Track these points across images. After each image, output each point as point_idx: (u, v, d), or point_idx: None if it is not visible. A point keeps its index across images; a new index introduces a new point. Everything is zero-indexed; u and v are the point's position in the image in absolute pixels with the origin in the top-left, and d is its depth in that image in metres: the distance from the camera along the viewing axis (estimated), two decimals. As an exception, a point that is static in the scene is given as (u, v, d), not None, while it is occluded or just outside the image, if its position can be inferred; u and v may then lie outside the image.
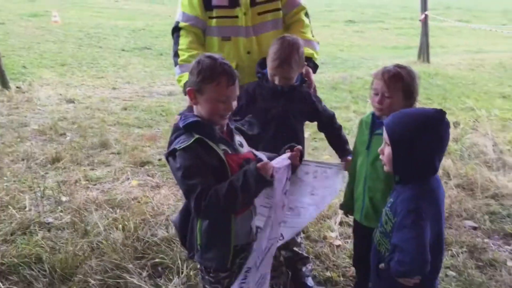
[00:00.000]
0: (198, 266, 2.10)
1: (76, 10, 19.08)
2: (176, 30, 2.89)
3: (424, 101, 7.73)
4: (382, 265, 1.85)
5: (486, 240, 3.46)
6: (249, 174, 1.81)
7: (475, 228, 3.62)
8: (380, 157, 1.89)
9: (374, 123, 2.38)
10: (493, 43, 17.33)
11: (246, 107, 2.55)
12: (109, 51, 12.00)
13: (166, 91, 8.22)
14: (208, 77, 1.88)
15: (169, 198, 3.96)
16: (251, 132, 2.13)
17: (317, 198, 2.48)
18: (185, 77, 2.65)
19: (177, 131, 1.93)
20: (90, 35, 13.95)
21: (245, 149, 2.05)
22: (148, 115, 6.68)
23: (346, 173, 2.59)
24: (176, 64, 2.83)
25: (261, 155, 2.08)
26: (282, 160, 1.94)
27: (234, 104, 1.98)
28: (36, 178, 4.16)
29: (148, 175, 4.50)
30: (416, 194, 1.75)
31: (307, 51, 2.93)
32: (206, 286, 2.09)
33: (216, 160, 1.87)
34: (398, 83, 2.24)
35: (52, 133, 5.63)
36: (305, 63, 2.61)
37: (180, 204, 3.82)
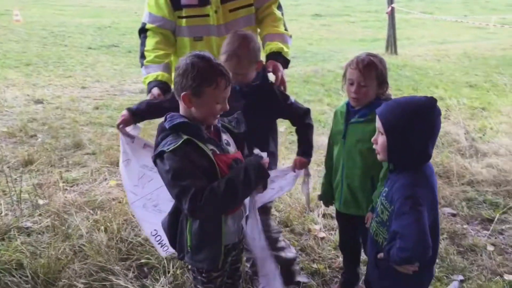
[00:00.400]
0: (189, 266, 2.07)
1: (38, 8, 18.59)
2: (142, 31, 2.81)
3: (395, 92, 7.86)
4: (380, 255, 1.87)
5: (465, 226, 3.55)
6: (251, 168, 1.82)
7: (454, 215, 3.70)
8: (374, 146, 1.91)
9: (349, 113, 2.44)
10: (456, 33, 17.79)
11: None
12: (76, 50, 11.73)
13: (137, 89, 8.09)
14: (206, 80, 1.83)
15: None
16: (237, 130, 2.10)
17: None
18: (150, 77, 2.65)
19: (163, 132, 1.89)
20: (54, 33, 13.61)
21: (232, 148, 2.03)
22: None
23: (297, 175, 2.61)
24: (142, 65, 2.75)
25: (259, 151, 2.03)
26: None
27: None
28: (10, 182, 4.02)
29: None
30: (412, 181, 1.77)
31: (276, 45, 2.86)
32: (198, 286, 2.07)
33: (205, 160, 1.83)
34: (372, 71, 2.29)
35: (23, 135, 5.46)
36: (261, 60, 2.44)
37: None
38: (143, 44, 2.78)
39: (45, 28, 14.20)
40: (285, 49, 2.86)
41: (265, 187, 2.06)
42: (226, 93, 1.90)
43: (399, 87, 8.19)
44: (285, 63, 2.86)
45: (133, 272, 2.94)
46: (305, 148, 2.57)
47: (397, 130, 1.77)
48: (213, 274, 2.02)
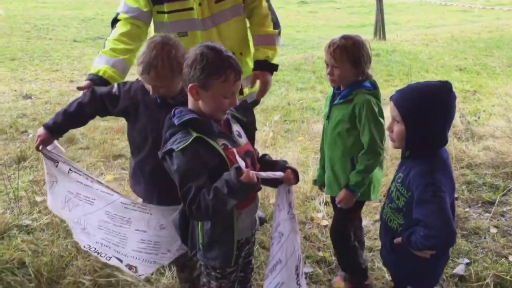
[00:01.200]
0: (202, 262, 2.04)
1: (19, 2, 18.21)
2: (115, 21, 2.68)
3: (386, 77, 7.88)
4: (398, 240, 1.85)
5: (467, 209, 3.56)
6: (232, 185, 1.68)
7: (455, 199, 3.71)
8: (388, 134, 1.88)
9: (333, 95, 2.48)
10: (442, 17, 17.84)
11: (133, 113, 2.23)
12: (61, 43, 11.52)
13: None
14: (214, 72, 1.74)
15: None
16: (246, 119, 2.05)
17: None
18: (93, 69, 2.49)
19: (171, 128, 1.82)
20: (37, 27, 13.34)
21: (244, 139, 1.97)
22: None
23: None
24: (99, 52, 2.62)
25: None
26: (272, 176, 1.87)
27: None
28: (4, 179, 3.94)
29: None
30: (431, 167, 1.75)
31: (262, 53, 2.79)
32: (212, 281, 2.03)
33: (216, 158, 1.78)
34: (344, 54, 2.31)
35: (13, 131, 5.36)
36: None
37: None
38: (110, 34, 2.66)
39: (28, 21, 13.91)
40: (271, 56, 2.81)
41: (297, 180, 1.98)
42: (236, 88, 1.82)
43: (390, 73, 8.19)
44: (273, 68, 2.83)
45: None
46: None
47: (416, 117, 1.74)
48: (227, 270, 1.99)
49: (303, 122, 5.65)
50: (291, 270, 1.97)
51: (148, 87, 2.11)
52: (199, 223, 1.90)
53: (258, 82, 2.89)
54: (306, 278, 2.82)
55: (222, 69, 1.74)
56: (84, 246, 2.33)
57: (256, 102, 3.07)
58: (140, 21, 2.65)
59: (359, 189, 2.39)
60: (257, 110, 5.96)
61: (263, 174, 1.80)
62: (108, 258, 2.31)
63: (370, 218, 3.48)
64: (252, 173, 1.70)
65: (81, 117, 2.31)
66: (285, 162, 2.02)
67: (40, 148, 2.33)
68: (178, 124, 1.78)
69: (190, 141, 1.72)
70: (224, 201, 1.69)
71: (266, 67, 2.80)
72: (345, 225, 2.60)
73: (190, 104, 1.86)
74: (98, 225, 2.30)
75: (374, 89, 2.39)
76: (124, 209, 2.29)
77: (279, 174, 1.87)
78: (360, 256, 2.71)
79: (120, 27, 2.62)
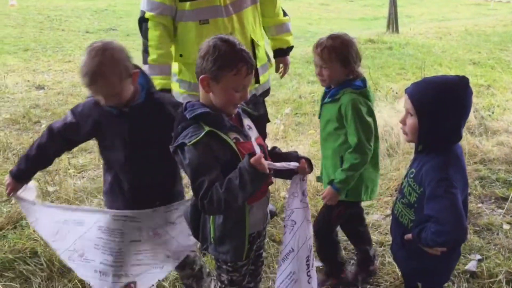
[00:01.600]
0: (213, 256, 2.04)
1: (33, -8, 18.28)
2: (143, 20, 2.68)
3: (399, 71, 7.81)
4: (408, 236, 1.84)
5: (479, 205, 3.52)
6: (243, 171, 1.67)
7: (468, 194, 3.67)
8: (401, 127, 1.86)
9: (325, 93, 2.46)
10: (456, 10, 17.62)
11: (93, 132, 2.13)
12: (73, 34, 11.58)
13: (138, 73, 8.00)
14: (226, 65, 1.73)
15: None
16: (257, 112, 2.04)
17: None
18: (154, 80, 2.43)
19: (183, 121, 1.81)
20: (50, 17, 13.41)
21: (255, 133, 1.96)
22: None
23: None
24: (145, 62, 2.64)
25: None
26: (287, 166, 1.85)
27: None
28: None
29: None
30: (444, 162, 1.73)
31: (285, 42, 3.02)
32: (223, 275, 2.03)
33: (228, 151, 1.77)
34: (332, 54, 2.28)
35: (26, 122, 5.41)
36: (136, 70, 2.01)
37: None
38: (145, 37, 2.67)
39: (41, 12, 13.99)
40: (291, 42, 3.02)
41: (311, 169, 1.97)
42: (247, 82, 1.80)
43: (403, 66, 8.11)
44: (290, 50, 3.07)
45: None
46: None
47: (430, 111, 1.71)
48: (238, 263, 1.98)
49: (314, 115, 5.61)
50: (302, 260, 1.97)
51: (99, 98, 1.97)
52: (211, 217, 1.89)
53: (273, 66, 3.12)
54: (316, 272, 2.81)
55: (234, 62, 1.73)
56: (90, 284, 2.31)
57: (267, 92, 3.12)
58: (167, 16, 2.66)
59: (343, 187, 2.36)
60: (268, 103, 5.94)
61: (278, 164, 1.80)
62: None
63: (381, 213, 3.46)
64: (265, 162, 1.70)
65: (44, 158, 2.20)
66: (296, 152, 2.02)
67: (11, 195, 2.27)
68: (190, 118, 1.77)
69: (202, 135, 1.72)
70: (235, 194, 1.68)
71: (287, 53, 3.03)
72: (329, 222, 2.59)
73: (202, 98, 1.86)
74: (94, 245, 2.20)
75: (363, 88, 2.35)
76: (114, 221, 2.16)
77: (293, 164, 1.86)
78: (339, 251, 2.73)
79: (155, 29, 2.63)
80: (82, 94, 6.57)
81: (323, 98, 2.47)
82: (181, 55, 2.80)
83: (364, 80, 2.38)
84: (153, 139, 2.05)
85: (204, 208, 1.73)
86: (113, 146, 2.11)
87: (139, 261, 2.25)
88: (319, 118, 2.53)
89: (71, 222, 2.23)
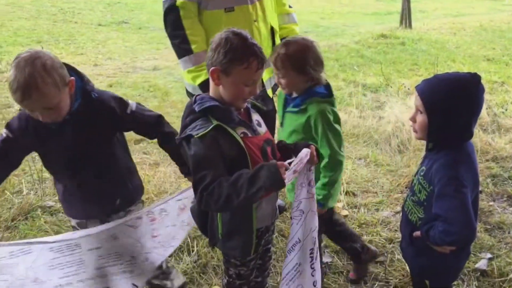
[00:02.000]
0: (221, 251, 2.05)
1: (46, -15, 18.38)
2: (173, 10, 2.57)
3: (411, 66, 7.74)
4: (417, 233, 1.82)
5: (491, 203, 3.49)
6: (265, 167, 1.63)
7: (480, 192, 3.64)
8: (411, 124, 1.84)
9: (286, 100, 2.35)
10: (470, 6, 17.41)
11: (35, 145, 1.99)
12: (86, 26, 11.64)
13: (150, 66, 8.03)
14: (237, 58, 1.71)
15: (170, 176, 3.88)
16: (266, 107, 2.03)
17: (160, 238, 2.17)
18: (204, 74, 2.41)
19: (192, 114, 1.80)
20: (63, 10, 13.50)
21: (263, 128, 1.95)
22: (135, 91, 6.51)
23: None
24: (190, 52, 2.54)
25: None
26: (299, 161, 1.81)
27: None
28: (29, 161, 4.01)
29: (145, 153, 4.40)
30: (454, 160, 1.70)
31: (291, 31, 2.96)
32: (231, 268, 2.03)
33: (235, 147, 1.75)
34: (285, 62, 2.19)
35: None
36: (69, 78, 1.85)
37: (182, 181, 3.75)
38: (179, 27, 2.56)
39: (55, 4, 14.08)
40: (297, 31, 3.00)
41: (318, 159, 1.93)
42: (257, 76, 1.78)
43: (415, 62, 8.04)
44: None
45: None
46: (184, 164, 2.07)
47: (440, 108, 1.69)
48: (247, 257, 1.99)
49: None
50: (306, 252, 1.96)
51: (35, 114, 1.81)
52: (218, 213, 1.89)
53: None
54: (325, 267, 2.81)
55: (245, 56, 1.72)
56: None
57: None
58: (195, 3, 2.59)
59: (327, 200, 2.32)
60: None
61: (294, 167, 1.75)
62: None
63: (391, 210, 3.44)
64: (286, 167, 1.67)
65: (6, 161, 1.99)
66: (303, 142, 1.99)
67: None
68: (199, 111, 1.77)
69: (209, 128, 1.71)
70: (239, 190, 1.63)
71: None
72: (330, 223, 2.60)
73: (211, 91, 1.85)
74: (48, 267, 1.94)
75: (328, 95, 2.27)
76: (66, 246, 1.93)
77: (305, 153, 1.82)
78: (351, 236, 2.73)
79: (189, 17, 2.56)
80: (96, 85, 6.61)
81: (285, 104, 2.35)
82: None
83: (328, 86, 2.28)
84: (98, 139, 2.00)
85: (202, 201, 1.69)
86: (57, 157, 2.01)
87: (103, 264, 2.04)
88: (281, 126, 2.40)
89: (17, 253, 1.89)
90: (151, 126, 2.15)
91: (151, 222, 2.07)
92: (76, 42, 9.91)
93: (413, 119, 1.80)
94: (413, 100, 1.81)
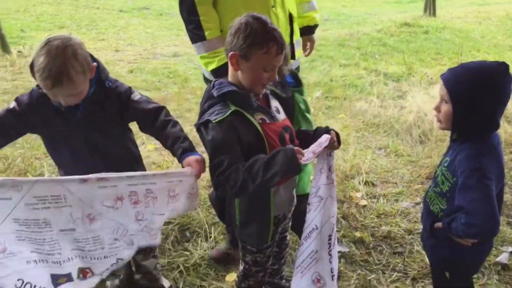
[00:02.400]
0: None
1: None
2: None
3: (434, 56, 7.60)
4: (438, 225, 1.79)
5: (514, 196, 3.42)
6: (282, 152, 1.64)
7: (504, 185, 3.56)
8: (435, 114, 1.80)
9: None
10: (497, -6, 16.95)
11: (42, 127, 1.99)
12: (107, 12, 11.69)
13: (170, 52, 8.03)
14: (257, 43, 1.70)
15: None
16: (285, 94, 2.01)
17: (147, 223, 1.89)
18: (221, 58, 2.37)
19: (210, 99, 1.80)
20: (86, -5, 13.56)
21: (282, 115, 1.94)
22: (155, 77, 6.53)
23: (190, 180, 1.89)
24: (203, 38, 2.50)
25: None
26: (318, 144, 1.80)
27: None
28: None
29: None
30: (478, 151, 1.66)
31: (312, 20, 2.95)
32: (247, 255, 2.03)
33: (252, 133, 1.75)
34: None
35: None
36: (92, 64, 1.88)
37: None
38: (193, 12, 2.50)
39: (77, -10, 14.16)
40: (317, 20, 3.00)
41: (339, 144, 1.92)
42: (277, 62, 1.77)
43: (439, 51, 7.89)
44: (316, 28, 3.04)
45: (175, 236, 2.96)
46: (180, 145, 1.93)
47: (465, 98, 1.64)
48: (263, 244, 1.98)
49: (345, 99, 5.54)
50: (324, 238, 1.95)
51: (59, 100, 1.85)
52: (236, 199, 1.89)
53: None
54: (342, 257, 2.79)
55: (265, 40, 1.71)
56: (15, 285, 1.79)
57: (297, 70, 3.08)
58: None
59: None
60: (299, 86, 5.90)
61: (311, 153, 1.74)
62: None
63: (411, 200, 3.40)
64: (302, 153, 1.66)
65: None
66: (322, 127, 1.96)
67: None
68: (217, 96, 1.76)
69: (228, 114, 1.71)
70: (255, 175, 1.63)
71: (313, 31, 2.99)
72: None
73: (230, 76, 1.84)
74: (16, 237, 1.77)
75: (296, 84, 2.22)
76: (32, 210, 1.72)
77: (324, 139, 1.81)
78: None
79: (203, 3, 2.50)
80: (114, 72, 6.66)
81: None
82: (221, 31, 2.74)
83: (295, 75, 2.23)
84: (105, 127, 2.00)
85: (219, 186, 1.71)
86: (61, 141, 2.00)
87: (82, 246, 1.85)
88: None
89: None
90: (154, 114, 2.02)
91: (133, 205, 1.81)
92: (97, 28, 9.97)
93: (438, 109, 1.76)
94: (438, 89, 1.77)
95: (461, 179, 1.65)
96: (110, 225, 1.82)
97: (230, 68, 1.81)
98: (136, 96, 2.03)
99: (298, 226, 2.16)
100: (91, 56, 1.94)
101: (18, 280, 1.80)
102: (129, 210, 1.80)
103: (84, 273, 1.87)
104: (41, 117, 1.95)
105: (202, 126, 1.77)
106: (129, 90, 2.04)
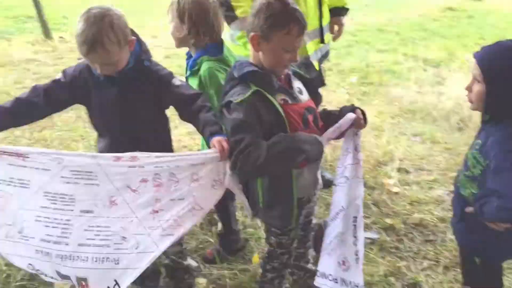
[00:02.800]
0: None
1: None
2: None
3: (477, 40, 7.31)
4: (470, 209, 1.73)
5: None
6: (303, 135, 1.69)
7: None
8: (467, 94, 1.73)
9: (187, 64, 2.33)
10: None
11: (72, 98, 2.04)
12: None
13: (206, 38, 8.05)
14: (278, 23, 1.69)
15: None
16: (309, 75, 1.98)
17: (161, 215, 1.81)
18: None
19: (231, 81, 1.80)
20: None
21: (305, 96, 1.91)
22: None
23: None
24: (234, 18, 2.49)
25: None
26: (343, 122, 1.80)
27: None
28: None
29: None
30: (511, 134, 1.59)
31: (339, 1, 2.91)
32: (272, 237, 2.03)
33: (273, 113, 1.73)
34: (173, 6, 2.20)
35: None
36: (133, 37, 1.94)
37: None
38: None
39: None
40: (346, 2, 2.98)
41: (365, 122, 1.94)
42: (298, 43, 1.75)
43: (482, 36, 7.60)
44: (346, 11, 3.02)
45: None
46: (212, 128, 1.85)
47: (499, 77, 1.57)
48: (287, 226, 1.98)
49: (381, 85, 5.42)
50: (349, 219, 1.92)
51: (96, 66, 1.91)
52: (259, 182, 1.88)
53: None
54: (372, 244, 2.75)
55: (286, 21, 1.69)
56: (27, 267, 1.90)
57: (326, 54, 3.03)
58: None
59: None
60: (333, 71, 5.82)
61: (333, 132, 1.75)
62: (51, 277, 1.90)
63: (445, 188, 3.30)
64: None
65: (17, 116, 1.97)
66: (347, 106, 1.93)
67: None
68: (238, 77, 1.76)
69: (248, 94, 1.70)
70: (277, 152, 1.66)
71: (342, 13, 2.97)
72: None
73: (251, 57, 1.83)
74: (35, 217, 1.84)
75: (218, 54, 2.15)
76: (65, 184, 1.79)
77: (349, 117, 1.79)
78: None
79: None
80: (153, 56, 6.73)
81: (186, 70, 2.28)
82: None
83: (220, 45, 2.17)
84: (140, 106, 2.01)
85: (237, 164, 1.68)
86: (103, 113, 2.04)
87: (89, 240, 1.82)
88: None
89: (16, 182, 1.85)
90: (193, 99, 2.00)
91: (156, 188, 1.78)
92: (136, 14, 10.09)
93: (469, 89, 1.70)
94: (471, 68, 1.70)
95: (494, 161, 1.59)
96: (126, 213, 1.79)
97: (251, 49, 1.80)
98: (176, 81, 2.03)
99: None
100: (136, 35, 1.99)
101: (29, 264, 1.89)
102: (149, 194, 1.78)
103: (82, 286, 1.87)
104: (82, 89, 2.02)
105: (224, 107, 1.78)
106: (171, 75, 2.05)
